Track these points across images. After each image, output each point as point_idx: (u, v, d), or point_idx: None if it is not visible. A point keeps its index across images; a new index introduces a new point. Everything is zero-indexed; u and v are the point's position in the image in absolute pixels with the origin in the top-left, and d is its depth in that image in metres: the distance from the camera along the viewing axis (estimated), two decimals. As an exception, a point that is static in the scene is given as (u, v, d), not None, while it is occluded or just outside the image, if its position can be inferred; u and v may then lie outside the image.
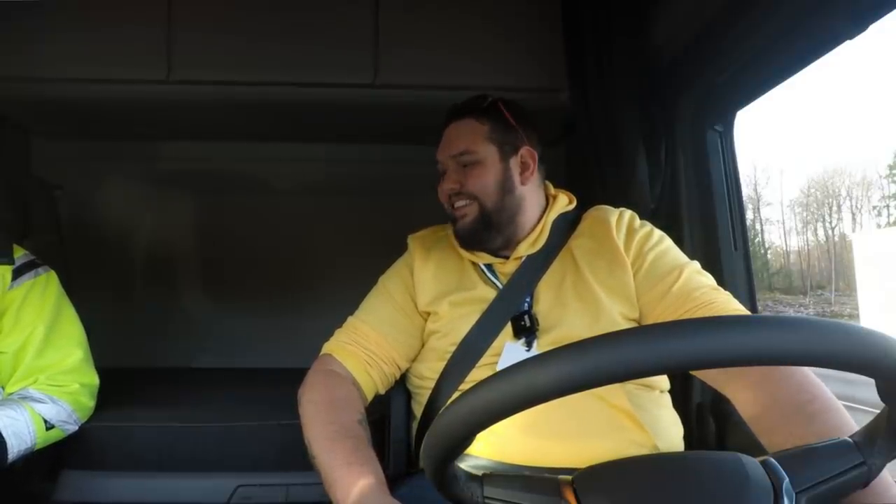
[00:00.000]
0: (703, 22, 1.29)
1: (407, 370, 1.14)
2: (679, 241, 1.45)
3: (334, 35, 1.62)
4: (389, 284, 1.15)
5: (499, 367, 1.00)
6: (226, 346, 2.10)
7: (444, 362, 1.05)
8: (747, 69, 1.26)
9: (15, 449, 1.05)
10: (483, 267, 1.11)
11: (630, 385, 0.98)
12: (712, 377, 0.94)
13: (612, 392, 0.94)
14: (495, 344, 1.03)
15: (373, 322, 1.10)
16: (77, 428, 1.16)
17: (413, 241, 1.20)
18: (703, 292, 0.99)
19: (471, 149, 1.10)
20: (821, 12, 1.03)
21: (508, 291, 1.06)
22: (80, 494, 1.40)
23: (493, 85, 1.65)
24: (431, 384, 1.07)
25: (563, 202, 1.17)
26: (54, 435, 1.13)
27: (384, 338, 1.09)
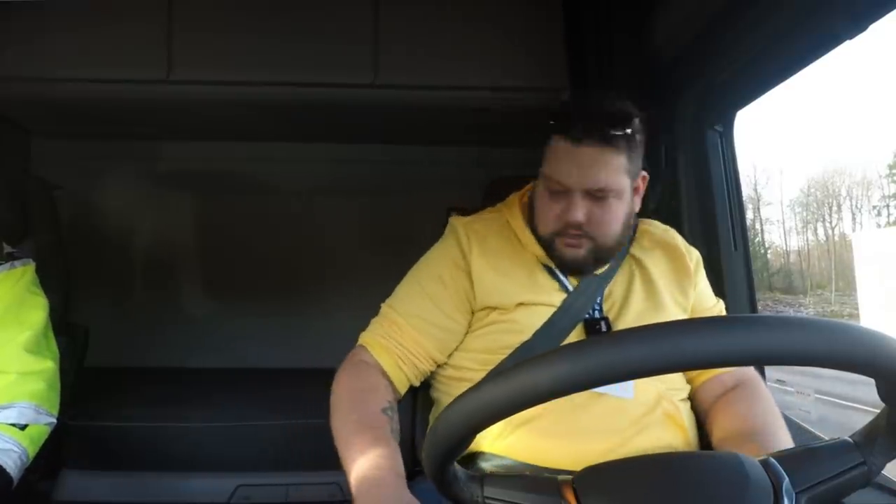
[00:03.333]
0: (703, 22, 1.29)
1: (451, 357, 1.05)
2: (679, 241, 1.45)
3: (334, 35, 1.62)
4: (435, 274, 1.04)
5: None
6: (226, 346, 2.10)
7: (502, 356, 0.98)
8: (747, 69, 1.26)
9: (12, 466, 1.03)
10: (554, 269, 1.02)
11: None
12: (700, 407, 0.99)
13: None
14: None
15: (409, 317, 1.01)
16: (55, 420, 1.13)
17: (464, 226, 1.06)
18: None
19: (611, 186, 0.94)
20: (820, 12, 1.03)
21: (578, 295, 1.01)
22: (80, 494, 1.41)
23: (493, 85, 1.66)
24: (474, 375, 0.98)
25: None
26: (37, 431, 1.09)
27: (422, 334, 1.00)
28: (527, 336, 0.98)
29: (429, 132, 1.91)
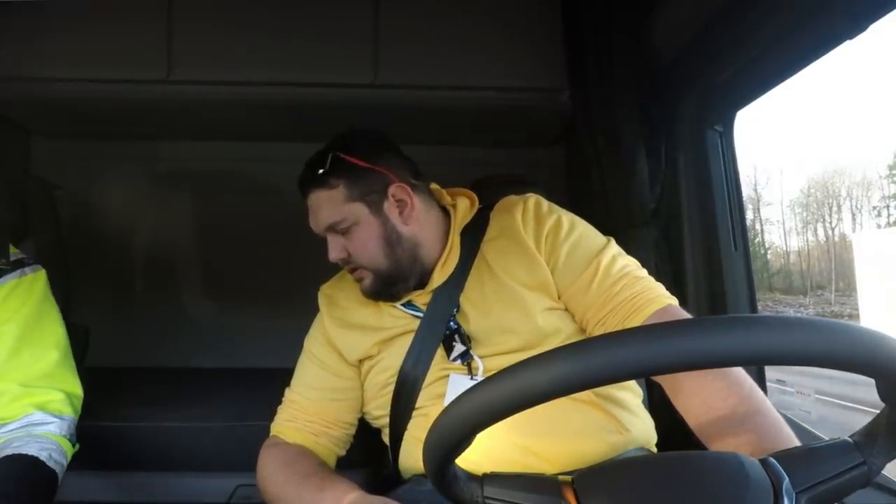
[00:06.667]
0: (703, 22, 1.29)
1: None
2: (679, 241, 1.46)
3: (334, 35, 1.62)
4: (313, 347, 1.11)
5: (446, 402, 0.95)
6: (226, 346, 2.10)
7: (388, 397, 1.03)
8: (747, 69, 1.26)
9: (59, 479, 1.02)
10: (400, 306, 1.06)
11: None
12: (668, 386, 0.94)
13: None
14: (436, 363, 1.00)
15: (306, 392, 1.07)
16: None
17: (320, 296, 1.15)
18: (624, 285, 0.96)
19: (337, 219, 1.02)
20: (820, 12, 1.03)
21: (431, 317, 1.02)
22: (81, 494, 1.40)
23: (493, 85, 1.66)
24: (385, 419, 1.05)
25: (465, 207, 1.11)
26: (75, 450, 1.09)
27: (322, 406, 1.06)
28: (392, 371, 1.02)
29: (428, 132, 1.91)
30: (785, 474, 0.54)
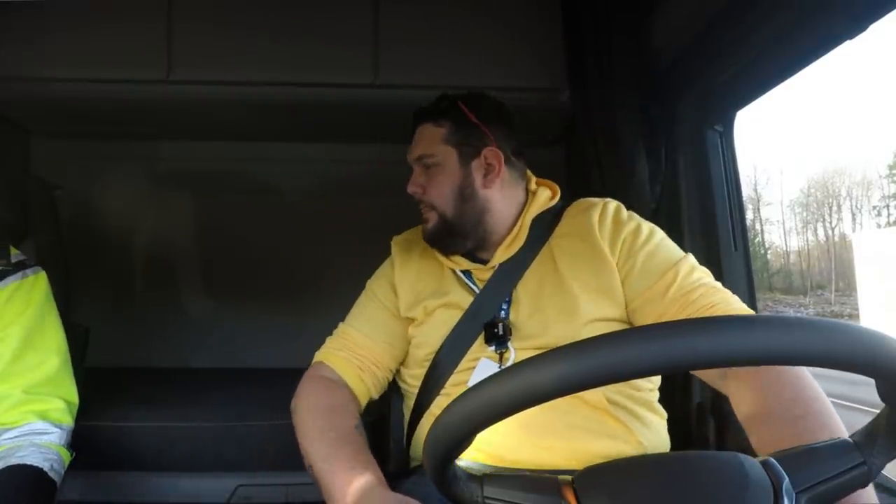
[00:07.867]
0: (703, 22, 1.29)
1: (397, 372, 1.13)
2: (679, 242, 1.45)
3: (335, 35, 1.62)
4: (376, 288, 1.14)
5: (470, 384, 0.97)
6: (226, 346, 2.10)
7: (423, 370, 1.04)
8: (747, 69, 1.26)
9: (58, 486, 1.03)
10: (460, 273, 1.08)
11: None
12: (710, 377, 0.93)
13: (591, 392, 0.92)
14: (473, 349, 1.01)
15: (361, 327, 1.10)
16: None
17: (395, 244, 1.18)
18: (702, 294, 0.94)
19: (428, 152, 1.07)
20: (820, 12, 1.03)
21: (484, 297, 1.03)
22: (81, 494, 1.41)
23: (493, 84, 1.65)
24: (415, 390, 1.06)
25: (544, 197, 1.11)
26: (71, 458, 1.10)
27: (373, 342, 1.08)
28: (431, 348, 1.03)
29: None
30: (785, 474, 0.54)
